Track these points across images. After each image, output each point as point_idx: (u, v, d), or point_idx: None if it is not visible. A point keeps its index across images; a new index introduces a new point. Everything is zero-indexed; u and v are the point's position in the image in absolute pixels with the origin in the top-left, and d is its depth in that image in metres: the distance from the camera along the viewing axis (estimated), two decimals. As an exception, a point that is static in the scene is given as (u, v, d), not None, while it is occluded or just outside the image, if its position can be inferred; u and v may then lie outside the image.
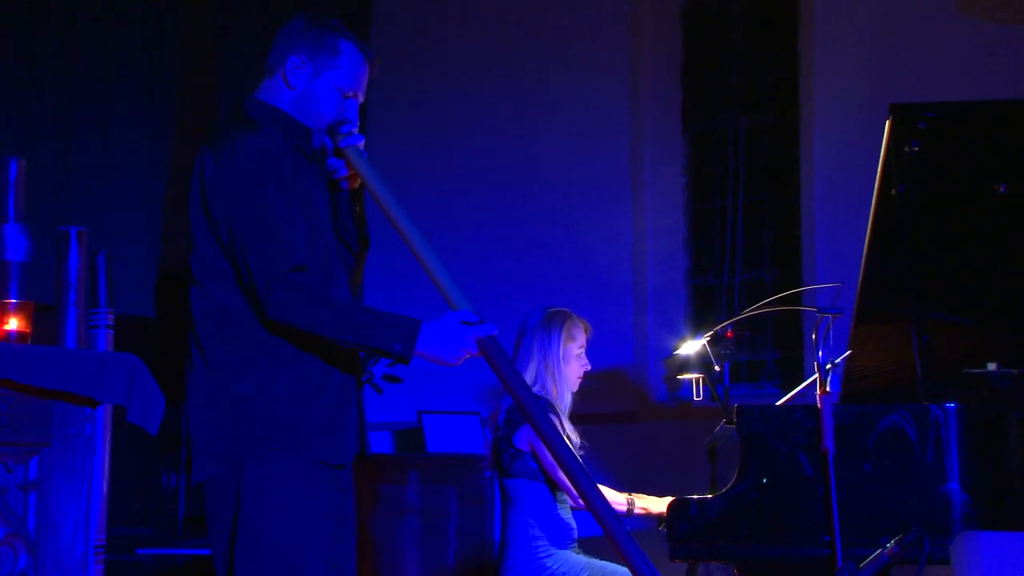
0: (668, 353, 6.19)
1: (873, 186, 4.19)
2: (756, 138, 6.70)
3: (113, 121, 5.82)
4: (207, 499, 2.87)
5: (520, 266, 6.78)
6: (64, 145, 5.61)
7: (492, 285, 6.59)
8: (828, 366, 3.84)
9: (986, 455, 3.84)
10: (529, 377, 4.17)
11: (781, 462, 3.86)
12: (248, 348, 2.83)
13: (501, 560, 4.16)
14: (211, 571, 2.93)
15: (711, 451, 4.48)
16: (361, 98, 3.03)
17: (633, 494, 4.28)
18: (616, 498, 4.19)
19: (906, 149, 4.14)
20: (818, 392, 3.81)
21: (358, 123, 3.01)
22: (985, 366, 4.05)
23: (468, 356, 2.86)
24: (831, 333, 3.90)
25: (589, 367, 4.33)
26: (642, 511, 4.26)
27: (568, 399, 4.25)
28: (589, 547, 4.26)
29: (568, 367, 4.24)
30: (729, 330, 4.98)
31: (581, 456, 4.01)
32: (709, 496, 3.94)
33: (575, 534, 4.21)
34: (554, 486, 4.14)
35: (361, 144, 2.98)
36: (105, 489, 2.49)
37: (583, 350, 4.29)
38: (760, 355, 6.57)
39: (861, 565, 3.63)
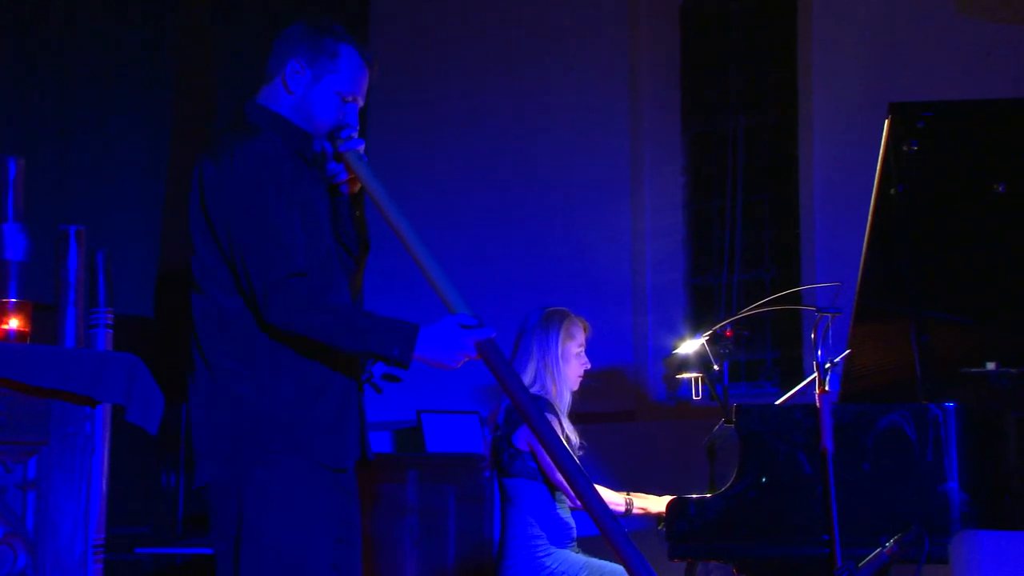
0: (667, 352, 6.19)
1: (872, 185, 4.19)
2: (755, 138, 6.70)
3: (112, 120, 5.83)
4: (209, 502, 2.87)
5: (519, 266, 6.78)
6: (63, 144, 5.61)
7: (491, 285, 6.59)
8: (827, 365, 3.84)
9: (985, 454, 3.84)
10: (528, 377, 4.17)
11: (780, 461, 3.86)
12: (249, 352, 2.84)
13: (500, 559, 4.17)
14: (210, 570, 2.93)
15: (710, 450, 4.48)
16: (361, 102, 3.03)
17: (631, 493, 4.28)
18: (614, 498, 4.19)
19: (905, 148, 4.14)
20: (817, 391, 3.81)
21: (358, 127, 3.01)
22: (984, 365, 4.05)
23: (467, 359, 2.86)
24: (830, 332, 3.90)
25: (589, 366, 4.33)
26: (640, 511, 4.26)
27: (567, 398, 4.25)
28: (588, 546, 4.26)
29: (567, 366, 4.24)
30: (728, 329, 4.98)
31: (580, 456, 4.02)
32: (708, 495, 3.94)
33: (574, 533, 4.21)
34: (553, 486, 4.14)
35: (361, 148, 2.98)
36: (104, 488, 2.50)
37: (582, 349, 4.29)
38: (759, 354, 6.57)
39: (860, 564, 3.63)
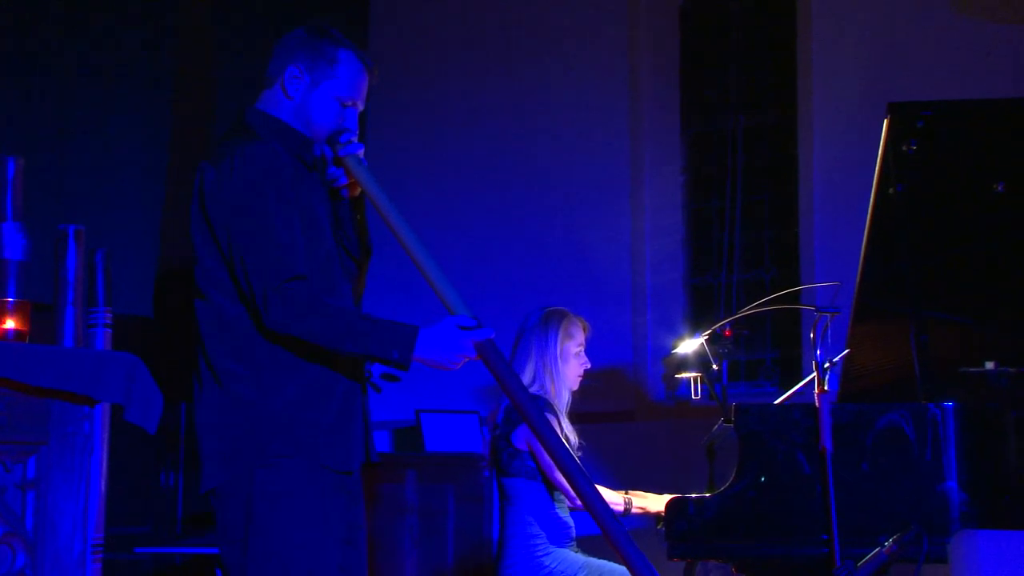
0: (666, 352, 6.19)
1: (872, 185, 4.19)
2: (755, 138, 6.70)
3: (112, 120, 5.83)
4: (216, 507, 2.87)
5: (519, 266, 6.78)
6: (63, 144, 5.61)
7: (491, 285, 6.59)
8: (826, 365, 3.84)
9: (984, 454, 3.84)
10: (527, 376, 4.18)
11: (779, 461, 3.86)
12: (253, 356, 2.84)
13: (500, 558, 4.17)
14: (209, 570, 2.93)
15: (709, 450, 4.48)
16: (361, 107, 3.03)
17: (630, 492, 4.28)
18: (613, 497, 4.19)
19: (904, 148, 4.14)
20: (816, 391, 3.81)
21: (357, 132, 3.01)
22: (983, 365, 4.05)
23: (467, 360, 2.87)
24: (829, 332, 3.90)
25: (589, 365, 4.33)
26: (639, 510, 4.26)
27: (567, 398, 4.26)
28: (588, 546, 4.26)
29: (566, 366, 4.25)
30: (727, 329, 4.99)
31: (579, 456, 4.02)
32: (707, 495, 3.94)
33: (573, 533, 4.21)
34: (551, 486, 4.14)
35: (360, 152, 2.99)
36: (103, 488, 2.49)
37: (582, 348, 4.30)
38: (758, 354, 6.57)
39: (859, 564, 3.63)
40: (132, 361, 2.44)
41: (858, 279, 4.22)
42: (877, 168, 4.17)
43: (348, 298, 3.01)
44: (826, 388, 3.80)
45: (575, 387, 4.29)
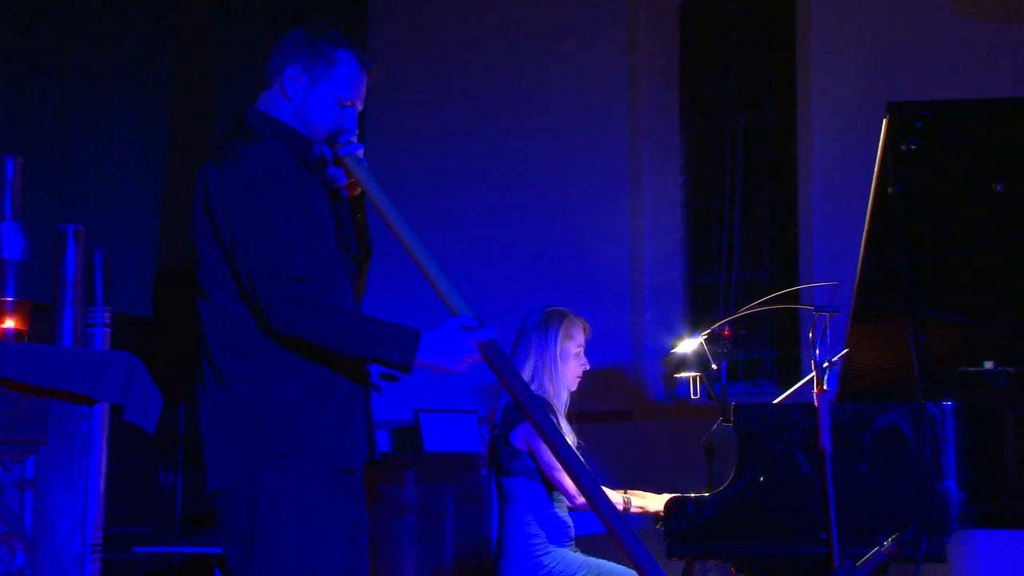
0: (665, 352, 6.19)
1: (871, 185, 4.19)
2: (754, 138, 6.71)
3: (111, 120, 5.83)
4: (219, 507, 2.87)
5: (518, 265, 6.78)
6: (62, 144, 5.61)
7: (490, 284, 6.59)
8: (825, 364, 3.84)
9: (983, 453, 3.84)
10: (526, 375, 4.18)
11: (778, 460, 3.86)
12: (255, 356, 2.84)
13: (499, 558, 4.17)
14: (208, 569, 2.93)
15: (708, 449, 4.48)
16: (360, 107, 3.03)
17: (629, 492, 4.28)
18: (613, 497, 4.19)
19: (903, 148, 4.14)
20: (815, 390, 3.81)
21: (356, 131, 3.01)
22: (982, 364, 4.06)
23: (470, 361, 2.87)
24: (828, 331, 3.90)
25: (588, 366, 4.33)
26: (639, 509, 4.26)
27: (565, 398, 4.26)
28: (586, 545, 4.26)
29: (565, 366, 4.25)
30: (726, 328, 4.99)
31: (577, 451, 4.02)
32: (706, 494, 3.94)
33: (572, 532, 4.21)
34: (550, 485, 4.15)
35: (360, 152, 2.99)
36: (102, 487, 2.49)
37: (582, 349, 4.30)
38: (757, 353, 6.57)
39: (858, 564, 3.63)
40: (131, 361, 2.44)
41: (857, 279, 4.22)
42: (876, 168, 4.17)
43: (350, 298, 3.01)
44: (825, 388, 3.80)
45: (573, 388, 4.29)
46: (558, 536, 4.15)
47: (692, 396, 5.32)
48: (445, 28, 7.23)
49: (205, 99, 6.38)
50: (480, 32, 7.11)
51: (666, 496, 4.04)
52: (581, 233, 6.69)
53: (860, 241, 4.22)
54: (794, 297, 5.38)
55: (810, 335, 3.92)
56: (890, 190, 4.14)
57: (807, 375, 4.09)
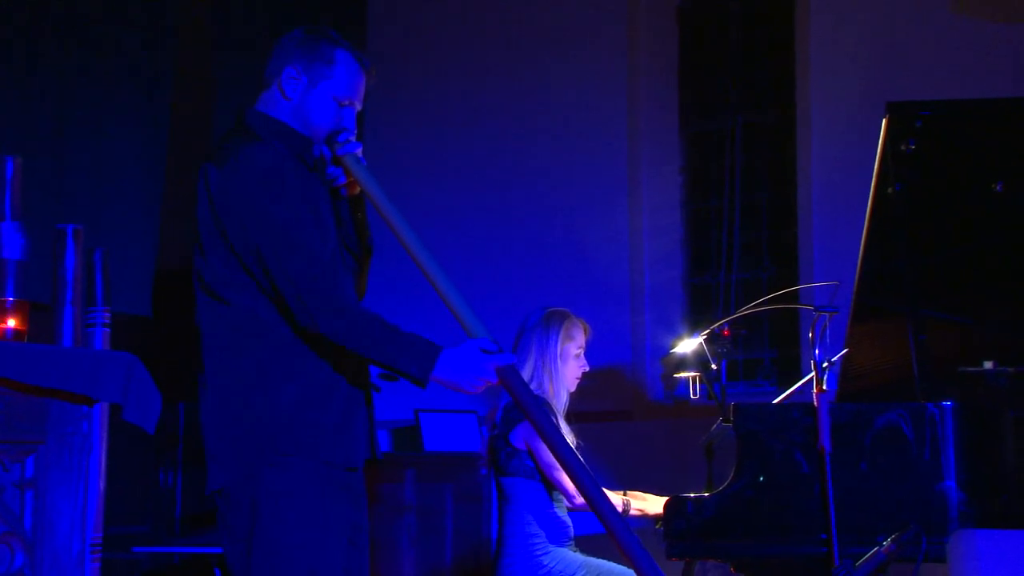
0: (665, 352, 6.19)
1: (870, 185, 4.19)
2: (753, 137, 6.71)
3: (110, 119, 5.83)
4: (221, 506, 2.87)
5: (518, 265, 6.78)
6: (61, 143, 5.61)
7: (490, 284, 6.59)
8: (825, 364, 3.84)
9: (982, 453, 3.84)
10: (526, 375, 4.17)
11: (778, 460, 3.86)
12: (257, 355, 2.85)
13: (498, 557, 4.17)
14: (207, 569, 2.93)
15: (708, 449, 4.48)
16: (359, 106, 3.03)
17: (629, 493, 4.28)
18: (612, 498, 4.19)
19: (902, 148, 4.14)
20: (815, 390, 3.81)
21: (355, 131, 3.01)
22: (981, 364, 4.05)
23: (487, 385, 2.86)
24: (828, 331, 3.90)
25: (587, 368, 4.33)
26: (638, 511, 4.26)
27: (564, 398, 4.26)
28: (586, 545, 4.26)
29: (565, 366, 4.25)
30: (726, 328, 4.99)
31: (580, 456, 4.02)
32: (706, 494, 3.94)
33: (572, 532, 4.21)
34: (550, 485, 4.15)
35: (359, 152, 2.99)
36: (102, 487, 2.49)
37: (582, 351, 4.30)
38: (757, 353, 6.57)
39: (858, 564, 3.63)
40: (130, 360, 2.44)
41: (856, 279, 4.22)
42: (876, 168, 4.17)
43: (353, 297, 3.01)
44: (824, 387, 3.80)
45: (573, 389, 4.29)
46: (557, 536, 4.15)
47: (692, 396, 5.33)
48: (444, 28, 7.23)
49: (204, 99, 6.38)
50: (479, 32, 7.11)
51: (665, 498, 4.04)
52: (580, 233, 6.69)
53: (860, 241, 4.22)
54: (793, 297, 5.38)
55: (810, 335, 3.92)
56: (890, 190, 4.14)
57: (807, 375, 4.09)
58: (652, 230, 6.78)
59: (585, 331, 4.32)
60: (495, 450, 4.20)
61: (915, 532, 3.66)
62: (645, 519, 4.30)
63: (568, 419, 4.25)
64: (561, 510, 4.19)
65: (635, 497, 4.29)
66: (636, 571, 2.85)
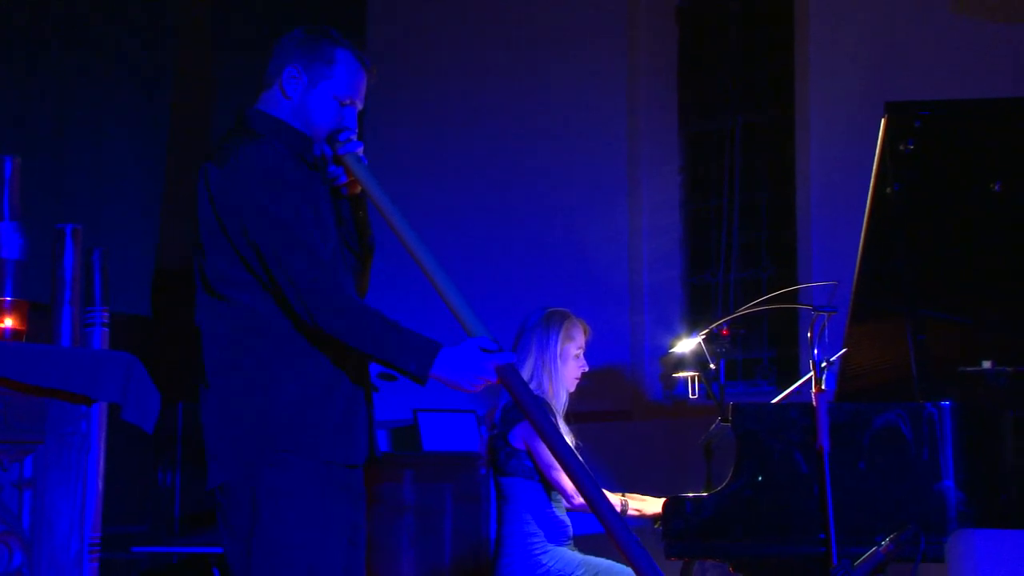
0: (664, 351, 6.19)
1: (869, 185, 4.19)
2: (753, 137, 6.71)
3: (110, 119, 5.83)
4: (221, 503, 2.87)
5: (517, 265, 6.78)
6: (60, 143, 5.61)
7: (489, 284, 6.59)
8: (823, 364, 3.84)
9: (981, 453, 3.84)
10: (525, 375, 4.18)
11: (776, 460, 3.86)
12: (258, 354, 2.85)
13: (497, 557, 4.17)
14: (206, 569, 2.93)
15: (707, 449, 4.48)
16: (360, 106, 3.04)
17: (627, 495, 4.29)
18: (610, 499, 4.19)
19: (901, 147, 4.14)
20: (813, 390, 3.81)
21: (356, 130, 3.02)
22: (980, 364, 4.05)
23: (486, 384, 2.87)
24: (826, 331, 3.90)
25: (587, 368, 4.33)
26: (636, 512, 4.26)
27: (564, 398, 4.26)
28: (585, 545, 4.26)
29: (565, 366, 4.25)
30: (725, 328, 4.98)
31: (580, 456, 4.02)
32: (705, 494, 3.94)
33: (571, 531, 4.21)
34: (549, 485, 4.15)
35: (360, 151, 2.99)
36: (100, 487, 2.49)
37: (582, 351, 4.30)
38: (756, 353, 6.58)
39: (856, 563, 3.63)
40: (129, 360, 2.44)
41: (855, 278, 4.22)
42: (874, 168, 4.17)
43: (353, 294, 3.01)
44: (823, 387, 3.80)
45: (572, 389, 4.29)
46: (556, 535, 4.15)
47: (690, 396, 5.32)
48: (443, 28, 7.24)
49: (204, 99, 6.38)
50: (479, 32, 7.11)
51: (663, 499, 4.04)
52: (580, 233, 6.69)
53: (858, 241, 4.22)
54: (792, 297, 5.38)
55: (808, 335, 3.92)
56: (888, 190, 4.14)
57: (805, 375, 4.09)
58: (651, 230, 6.78)
59: (585, 331, 4.33)
60: (494, 450, 4.20)
61: (914, 532, 3.66)
62: (643, 519, 4.30)
63: (567, 419, 4.26)
64: (560, 510, 4.20)
65: (633, 499, 4.29)
66: (635, 570, 2.85)
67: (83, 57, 5.71)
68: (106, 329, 2.57)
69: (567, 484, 4.00)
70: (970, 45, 5.67)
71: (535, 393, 4.15)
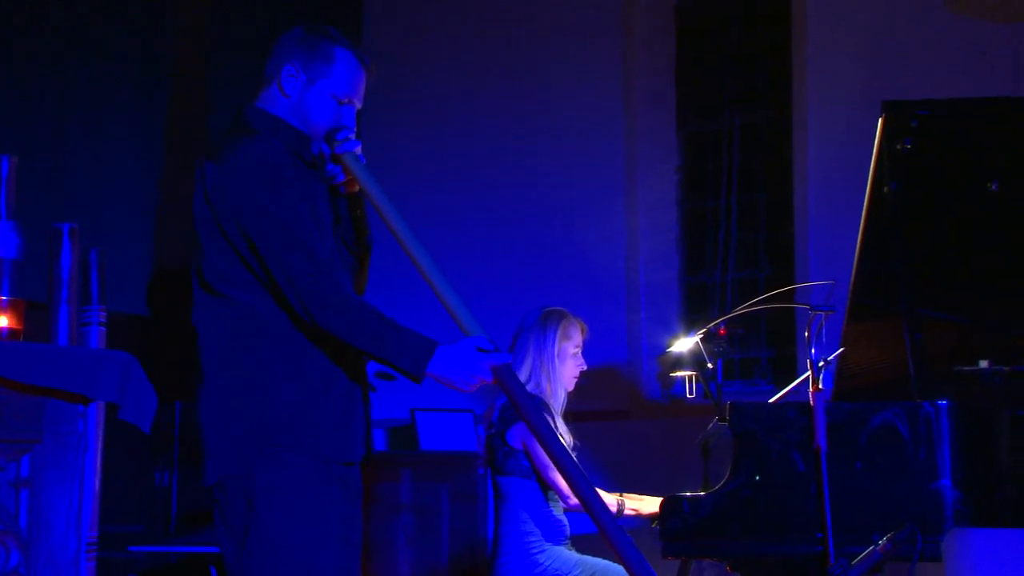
0: (661, 351, 6.19)
1: (866, 184, 4.19)
2: (750, 137, 6.71)
3: (107, 119, 5.83)
4: (218, 499, 2.87)
5: (515, 264, 6.78)
6: (58, 142, 5.61)
7: (487, 283, 6.59)
8: (821, 364, 3.84)
9: (978, 452, 3.84)
10: (523, 374, 4.18)
11: (774, 459, 3.86)
12: (256, 352, 2.85)
13: (495, 556, 4.17)
14: (203, 568, 2.93)
15: (704, 448, 4.48)
16: (358, 104, 3.04)
17: (624, 494, 4.29)
18: (606, 499, 4.19)
19: (899, 147, 4.14)
20: (811, 389, 3.81)
21: (355, 129, 3.01)
22: (977, 363, 4.06)
23: (481, 383, 2.87)
24: (824, 331, 3.90)
25: (585, 367, 4.33)
26: (632, 512, 4.26)
27: (562, 397, 4.26)
28: (582, 544, 4.26)
29: (563, 365, 4.25)
30: (722, 327, 4.98)
31: (575, 455, 4.02)
32: (702, 493, 3.94)
33: (568, 531, 4.21)
34: (546, 485, 4.15)
35: (358, 149, 2.99)
36: (97, 486, 2.50)
37: (579, 350, 4.30)
38: (753, 352, 6.58)
39: (853, 562, 3.64)
40: (126, 360, 2.44)
41: (852, 278, 4.22)
42: (872, 167, 4.17)
43: (350, 291, 3.01)
44: (820, 387, 3.80)
45: (571, 388, 4.29)
46: (554, 535, 4.15)
47: (688, 395, 5.32)
48: (439, 27, 7.23)
49: (201, 99, 6.38)
50: (476, 31, 7.11)
51: (660, 499, 4.04)
52: (577, 232, 6.69)
53: (856, 240, 4.22)
54: (790, 296, 5.38)
55: (806, 334, 3.92)
56: (886, 189, 4.14)
57: (803, 374, 4.09)
58: (649, 229, 6.78)
59: (582, 330, 4.33)
60: (492, 449, 4.20)
61: (911, 531, 3.66)
62: (641, 518, 4.30)
63: (565, 418, 4.26)
64: (557, 509, 4.20)
65: (631, 498, 4.29)
66: (628, 572, 2.85)
67: (81, 56, 5.71)
68: (103, 328, 2.58)
69: (563, 484, 4.00)
70: (969, 44, 5.67)
71: (533, 393, 4.16)
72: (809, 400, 3.80)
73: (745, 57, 6.78)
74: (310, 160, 2.99)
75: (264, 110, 2.99)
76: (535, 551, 4.11)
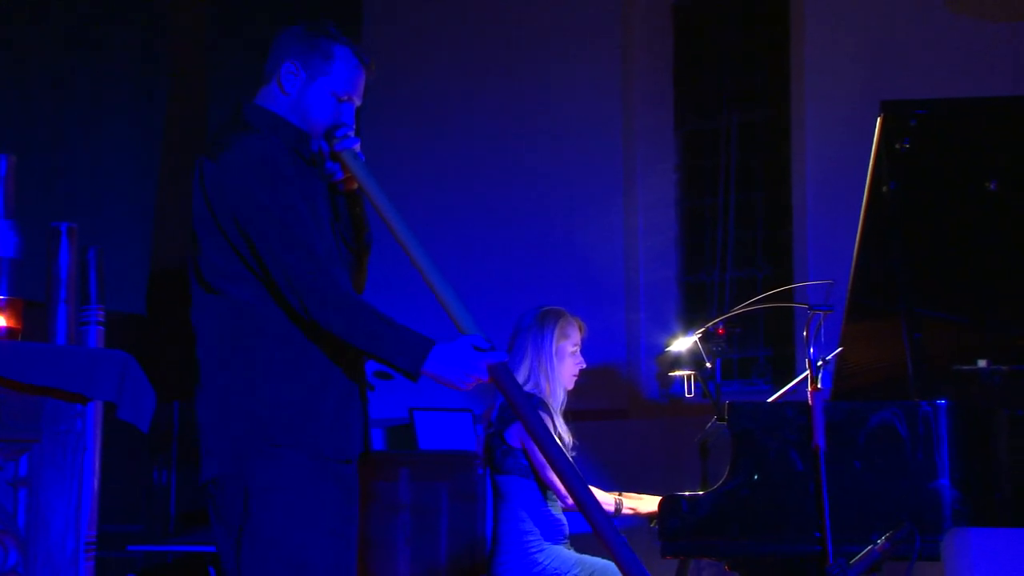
0: (660, 350, 6.19)
1: (865, 184, 4.19)
2: (748, 136, 6.71)
3: (105, 118, 5.82)
4: (214, 497, 2.87)
5: (513, 263, 6.78)
6: (56, 141, 5.60)
7: (484, 282, 6.59)
8: (819, 363, 3.84)
9: (976, 451, 3.84)
10: (522, 375, 4.18)
11: (772, 459, 3.86)
12: (254, 349, 2.85)
13: (493, 555, 4.17)
14: (201, 567, 2.93)
15: (702, 448, 4.48)
16: (357, 102, 3.03)
17: (623, 493, 4.29)
18: (604, 498, 4.19)
19: (897, 146, 4.15)
20: (809, 389, 3.81)
21: (354, 126, 3.01)
22: (976, 363, 4.06)
23: (478, 382, 2.86)
24: (822, 330, 3.90)
25: (584, 365, 4.33)
26: (630, 511, 4.26)
27: (561, 397, 4.26)
28: (581, 544, 4.26)
29: (561, 364, 4.25)
30: (721, 327, 4.98)
31: (573, 455, 4.02)
32: (701, 493, 3.94)
33: (567, 530, 4.21)
34: (544, 485, 4.15)
35: (357, 147, 2.99)
36: (96, 486, 2.50)
37: (578, 348, 4.30)
38: (752, 352, 6.58)
39: (852, 562, 3.64)
40: (124, 359, 2.44)
41: (851, 277, 4.22)
42: (870, 166, 4.17)
43: (347, 288, 3.01)
44: (819, 386, 3.80)
45: (570, 386, 4.29)
46: (553, 534, 4.15)
47: (686, 394, 5.31)
48: (438, 27, 7.23)
49: (199, 98, 6.38)
50: (475, 31, 7.11)
51: (658, 498, 4.04)
52: (576, 231, 6.69)
53: (854, 240, 4.22)
54: (788, 296, 5.38)
55: (804, 334, 3.92)
56: (884, 189, 4.14)
57: (801, 373, 4.09)
58: (647, 228, 6.78)
59: (580, 329, 4.33)
60: (491, 448, 4.20)
61: (909, 530, 3.66)
62: (639, 518, 4.30)
63: (564, 417, 4.25)
64: (556, 508, 4.20)
65: (629, 497, 4.29)
66: (623, 573, 2.85)
67: (80, 56, 5.71)
68: (101, 328, 2.58)
69: (560, 484, 4.00)
70: (968, 44, 5.67)
71: (532, 392, 4.16)
72: (808, 399, 3.80)
73: (743, 56, 6.78)
74: (309, 157, 2.99)
75: (263, 107, 2.99)
76: (534, 550, 4.11)
